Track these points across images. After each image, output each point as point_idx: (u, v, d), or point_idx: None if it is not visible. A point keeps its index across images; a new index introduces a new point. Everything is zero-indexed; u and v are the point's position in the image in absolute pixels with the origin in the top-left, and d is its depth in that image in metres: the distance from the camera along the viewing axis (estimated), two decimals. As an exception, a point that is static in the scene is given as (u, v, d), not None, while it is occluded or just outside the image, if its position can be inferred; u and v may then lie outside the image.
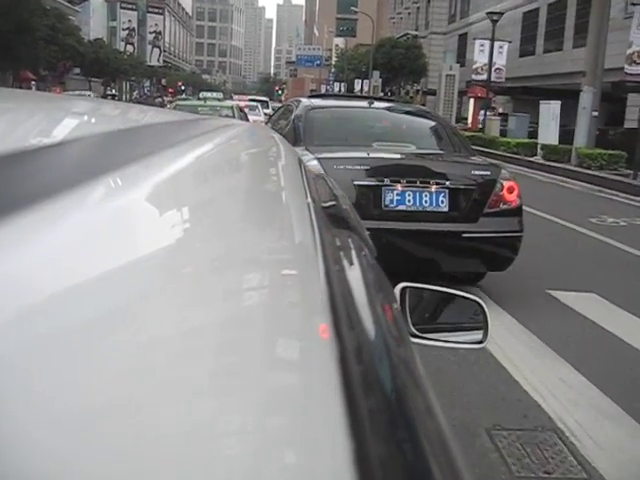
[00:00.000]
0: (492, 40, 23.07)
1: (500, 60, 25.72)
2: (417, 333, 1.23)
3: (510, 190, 4.87)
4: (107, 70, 50.74)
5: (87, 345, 0.25)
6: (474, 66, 26.37)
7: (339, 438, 0.29)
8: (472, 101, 27.55)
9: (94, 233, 0.36)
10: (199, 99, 18.39)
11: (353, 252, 0.88)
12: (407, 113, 6.30)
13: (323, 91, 74.04)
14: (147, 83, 77.41)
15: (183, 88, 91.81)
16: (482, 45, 26.40)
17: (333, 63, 72.69)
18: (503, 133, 23.17)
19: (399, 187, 4.63)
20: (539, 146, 18.28)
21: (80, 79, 49.87)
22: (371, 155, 4.89)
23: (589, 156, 15.71)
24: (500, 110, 37.47)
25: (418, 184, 4.66)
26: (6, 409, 0.20)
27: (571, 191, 13.61)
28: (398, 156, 5.09)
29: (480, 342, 1.33)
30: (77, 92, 27.97)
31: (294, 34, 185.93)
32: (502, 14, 22.65)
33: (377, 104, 6.03)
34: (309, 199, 0.88)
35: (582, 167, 15.70)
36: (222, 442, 0.25)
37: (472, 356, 3.79)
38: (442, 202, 4.70)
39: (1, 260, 0.27)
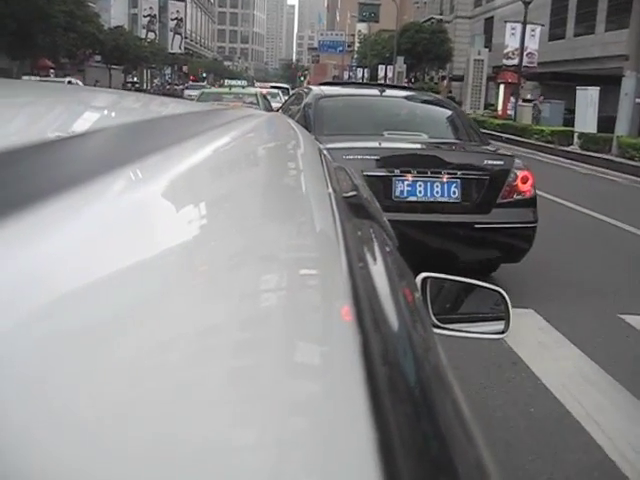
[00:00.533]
0: (524, 23, 21.93)
1: (532, 44, 24.58)
2: (438, 324, 1.22)
3: (524, 180, 4.73)
4: (127, 58, 50.13)
5: (103, 344, 0.25)
6: (505, 50, 25.24)
7: (364, 430, 0.30)
8: (502, 87, 26.34)
9: (113, 226, 0.36)
10: (224, 87, 21.04)
11: (375, 242, 0.89)
12: (419, 101, 6.07)
13: (346, 77, 74.90)
14: (168, 70, 76.77)
15: (204, 75, 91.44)
16: (513, 28, 25.22)
17: (356, 49, 71.57)
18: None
19: (409, 177, 4.49)
20: (576, 135, 17.18)
21: (100, 67, 49.35)
22: (381, 145, 4.73)
23: (632, 146, 14.62)
24: (528, 96, 36.51)
25: (429, 174, 4.54)
26: (14, 411, 0.20)
27: (616, 184, 12.56)
28: (409, 146, 4.92)
29: (502, 332, 1.32)
30: (62, 80, 27.18)
31: (316, 20, 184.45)
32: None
33: (389, 92, 5.95)
34: (330, 189, 0.88)
35: (624, 157, 14.67)
36: (244, 438, 0.25)
37: (548, 422, 2.97)
38: (454, 193, 4.59)
39: (18, 255, 0.27)
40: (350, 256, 0.57)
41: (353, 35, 74.57)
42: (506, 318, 1.31)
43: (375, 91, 6.02)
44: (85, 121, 0.75)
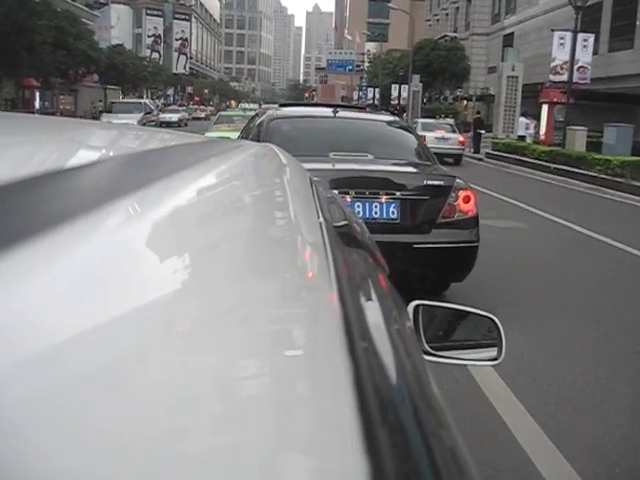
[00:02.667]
0: (574, 32, 18.62)
1: (584, 56, 21.03)
2: (431, 351, 1.23)
3: (466, 200, 4.85)
4: (125, 77, 47.22)
5: (96, 394, 0.25)
6: (552, 64, 21.79)
7: (356, 459, 0.30)
8: (545, 108, 22.94)
9: (105, 262, 0.36)
10: (240, 109, 23.07)
11: (366, 271, 0.92)
12: (373, 122, 6.04)
13: (355, 98, 73.32)
14: (171, 91, 74.20)
15: (208, 97, 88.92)
16: (562, 38, 21.66)
17: (365, 68, 68.83)
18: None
19: (348, 198, 4.46)
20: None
21: (96, 87, 46.48)
22: (322, 166, 4.48)
23: None
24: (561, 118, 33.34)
25: (367, 195, 4.59)
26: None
27: None
28: (351, 167, 4.89)
29: (495, 359, 1.31)
30: None
31: (323, 41, 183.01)
32: (587, -1, 18.16)
33: (343, 113, 6.00)
34: (321, 219, 0.90)
35: None
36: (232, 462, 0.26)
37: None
38: (393, 213, 4.69)
39: (2, 297, 0.26)
40: (341, 285, 0.58)
41: (363, 54, 71.84)
42: (499, 345, 1.31)
43: (330, 112, 5.98)
44: (70, 156, 0.75)
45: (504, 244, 7.82)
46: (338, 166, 4.78)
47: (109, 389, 0.26)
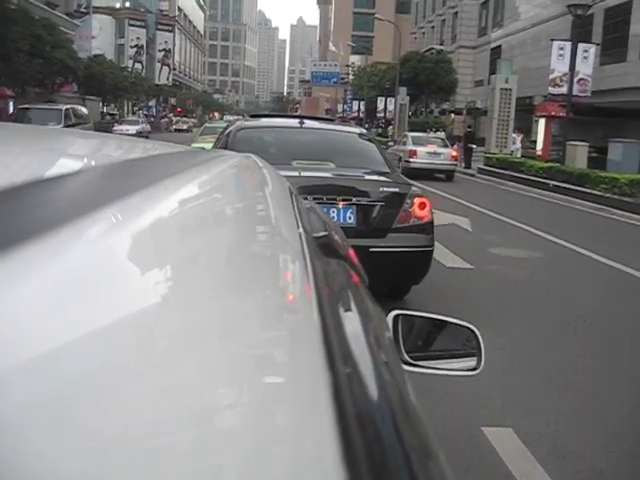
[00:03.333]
0: (573, 41, 17.73)
1: (585, 68, 20.05)
2: (410, 361, 1.23)
3: (421, 206, 5.08)
4: (105, 87, 46.03)
5: (76, 402, 0.25)
6: (551, 76, 20.81)
7: (334, 469, 0.30)
8: (542, 122, 22.01)
9: (86, 272, 0.35)
10: (224, 121, 20.11)
11: (345, 281, 0.93)
12: (337, 132, 6.26)
13: (340, 110, 72.51)
14: (153, 102, 73.04)
15: (191, 108, 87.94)
16: (562, 48, 20.60)
17: (350, 81, 68.09)
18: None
19: None
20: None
21: (74, 97, 45.24)
22: (282, 174, 3.62)
23: None
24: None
25: (325, 200, 4.66)
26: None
27: None
28: (311, 174, 5.01)
29: (474, 369, 1.31)
30: None
31: (307, 54, 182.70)
32: (589, 6, 17.26)
33: (310, 124, 6.11)
34: (301, 229, 0.92)
35: None
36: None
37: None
38: (349, 218, 4.82)
39: None
40: (320, 295, 0.59)
41: (348, 66, 71.12)
42: (478, 355, 1.31)
43: (296, 123, 6.11)
44: (51, 165, 0.75)
45: (533, 283, 6.78)
46: (298, 173, 4.80)
47: (89, 396, 0.26)
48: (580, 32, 22.68)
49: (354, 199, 4.87)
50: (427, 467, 0.46)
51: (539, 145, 22.29)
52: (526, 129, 27.41)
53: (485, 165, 21.27)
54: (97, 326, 0.30)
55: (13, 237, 0.33)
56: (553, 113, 21.52)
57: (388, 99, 46.76)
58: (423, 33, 62.50)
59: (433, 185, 17.01)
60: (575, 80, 18.24)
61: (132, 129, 39.63)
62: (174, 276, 0.44)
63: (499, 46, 43.91)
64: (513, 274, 6.92)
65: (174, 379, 0.31)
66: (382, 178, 5.34)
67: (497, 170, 19.88)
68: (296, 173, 4.74)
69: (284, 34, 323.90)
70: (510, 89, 21.45)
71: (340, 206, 4.81)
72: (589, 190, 14.34)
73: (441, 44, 53.73)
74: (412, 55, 45.17)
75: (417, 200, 5.07)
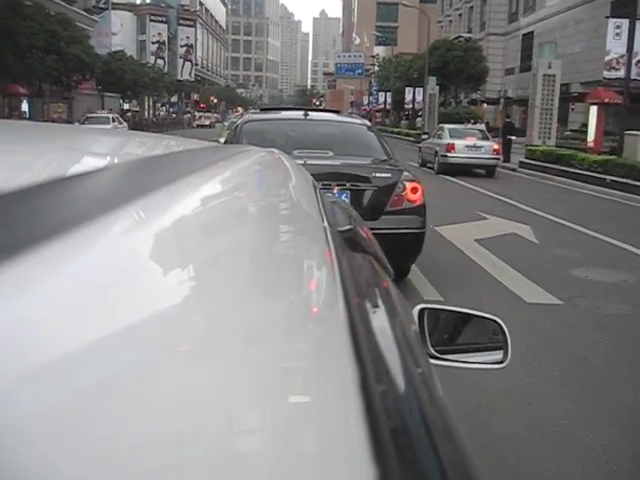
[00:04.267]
0: (632, 20, 15.94)
1: None
2: (436, 354, 1.24)
3: (414, 190, 5.39)
4: (123, 83, 44.86)
5: (96, 406, 0.25)
6: (606, 58, 18.92)
7: (362, 461, 0.30)
8: (594, 110, 20.16)
9: (108, 272, 0.35)
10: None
11: (370, 275, 0.93)
12: (339, 123, 6.53)
13: (365, 102, 70.87)
14: (175, 98, 72.01)
15: (214, 104, 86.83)
16: (618, 27, 18.64)
17: (375, 71, 66.36)
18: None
19: None
20: None
21: (93, 94, 44.15)
22: None
23: None
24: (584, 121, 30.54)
25: (321, 186, 4.26)
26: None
27: None
28: (309, 162, 4.97)
29: (500, 362, 1.31)
30: None
31: (331, 46, 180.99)
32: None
33: (313, 115, 6.42)
34: (325, 223, 0.92)
35: None
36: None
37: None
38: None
39: (5, 306, 0.26)
40: (346, 289, 0.59)
41: (373, 57, 69.34)
42: (504, 347, 1.31)
43: (301, 115, 6.33)
44: (73, 163, 0.76)
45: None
46: (296, 161, 4.11)
47: (108, 402, 0.26)
48: (623, 13, 20.85)
49: (348, 184, 5.17)
50: (455, 461, 0.46)
51: (590, 136, 20.35)
52: (562, 118, 25.59)
53: (527, 158, 19.51)
54: (117, 328, 0.30)
55: (35, 236, 0.33)
56: (607, 100, 19.65)
57: (416, 90, 45.00)
58: (450, 21, 60.71)
59: (473, 182, 15.37)
60: (634, 62, 16.41)
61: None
62: (198, 276, 0.44)
63: (531, 32, 42.11)
64: (620, 311, 5.31)
65: (194, 387, 0.31)
66: (376, 165, 5.65)
67: (542, 164, 18.07)
68: (294, 161, 4.60)
69: (307, 27, 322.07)
70: (554, 75, 19.56)
71: (335, 191, 4.96)
72: (657, 187, 12.62)
73: (469, 32, 51.99)
74: (440, 43, 43.38)
75: (409, 185, 5.40)
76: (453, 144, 17.27)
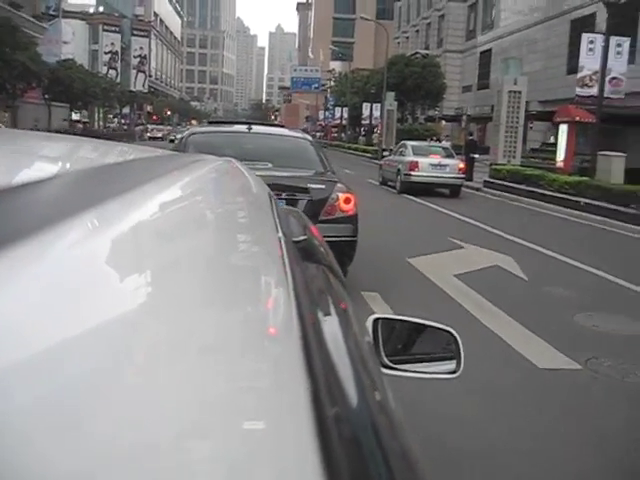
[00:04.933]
0: (606, 35, 15.26)
1: (618, 66, 17.42)
2: (390, 364, 1.24)
3: (346, 201, 5.71)
4: (72, 93, 43.18)
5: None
6: (579, 74, 18.25)
7: (313, 473, 0.30)
8: (563, 128, 19.42)
9: (64, 279, 0.35)
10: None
11: (324, 285, 0.94)
12: (280, 137, 6.81)
13: (321, 117, 70.24)
14: (127, 109, 70.25)
15: (168, 116, 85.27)
16: (592, 42, 17.94)
17: (331, 86, 65.76)
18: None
19: None
20: None
21: (39, 103, 42.35)
22: None
23: None
24: (552, 139, 30.04)
25: None
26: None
27: None
28: None
29: (453, 372, 1.32)
30: None
31: (287, 61, 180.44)
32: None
33: (257, 129, 6.68)
34: (280, 233, 0.92)
35: None
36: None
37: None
38: None
39: None
40: (299, 300, 0.59)
41: (329, 71, 68.74)
42: (457, 357, 1.31)
43: (244, 128, 6.66)
44: (28, 169, 0.75)
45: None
46: None
47: (51, 409, 0.25)
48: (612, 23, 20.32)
49: (284, 194, 5.24)
50: (405, 472, 0.46)
51: (560, 155, 19.56)
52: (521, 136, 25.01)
53: (492, 178, 18.71)
54: (71, 334, 0.30)
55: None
56: (578, 118, 18.92)
57: (374, 105, 44.34)
58: (407, 38, 60.50)
59: (438, 202, 14.42)
60: (607, 80, 15.72)
61: None
62: (152, 284, 0.44)
63: (489, 49, 41.95)
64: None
65: (146, 396, 0.30)
66: (311, 176, 5.93)
67: (508, 184, 17.24)
68: None
69: (263, 42, 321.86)
70: (519, 92, 18.85)
71: None
72: (634, 211, 11.84)
73: (426, 48, 51.72)
74: (398, 59, 42.90)
75: (342, 195, 5.68)
76: (417, 162, 16.29)
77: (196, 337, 0.39)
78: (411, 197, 15.66)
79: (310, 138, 7.33)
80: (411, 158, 16.56)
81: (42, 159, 0.90)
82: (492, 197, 17.28)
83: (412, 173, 16.31)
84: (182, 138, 6.64)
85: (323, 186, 5.71)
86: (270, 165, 5.79)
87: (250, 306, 0.53)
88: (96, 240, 0.44)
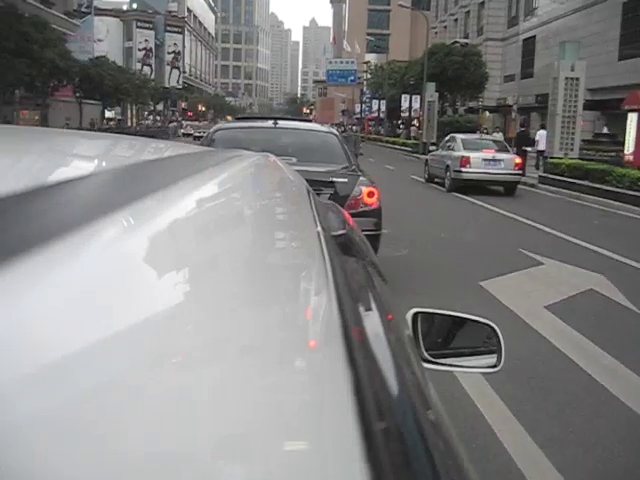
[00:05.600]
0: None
1: None
2: (430, 358, 1.23)
3: (370, 195, 5.72)
4: (103, 90, 42.43)
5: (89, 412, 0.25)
6: None
7: (356, 467, 0.30)
8: (633, 117, 17.70)
9: (101, 277, 0.35)
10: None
11: (363, 279, 0.94)
12: (306, 131, 6.76)
13: (357, 111, 68.65)
14: (161, 106, 69.70)
15: (202, 112, 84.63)
16: None
17: (367, 79, 64.19)
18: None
19: None
20: None
21: (71, 101, 41.69)
22: None
23: None
24: (604, 129, 28.28)
25: None
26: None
27: None
28: None
29: (494, 366, 1.30)
30: None
31: (321, 54, 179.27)
32: None
33: (282, 124, 6.74)
34: (319, 228, 0.92)
35: None
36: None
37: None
38: None
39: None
40: (340, 294, 0.59)
41: (365, 63, 67.20)
42: (498, 352, 1.30)
43: (270, 124, 6.65)
44: (65, 168, 0.75)
45: None
46: None
47: (94, 409, 0.25)
48: (634, 16, 18.62)
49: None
50: (448, 465, 0.46)
51: (629, 148, 17.88)
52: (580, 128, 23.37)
53: (549, 172, 17.14)
54: (109, 334, 0.30)
55: (26, 242, 0.33)
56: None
57: (414, 97, 42.74)
58: (445, 27, 58.64)
59: (494, 202, 12.91)
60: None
61: None
62: (191, 283, 0.44)
63: (533, 36, 40.15)
64: None
65: (185, 394, 0.30)
66: (335, 170, 5.92)
67: (567, 179, 15.63)
68: None
69: (297, 36, 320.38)
70: (577, 78, 17.26)
71: None
72: None
73: (466, 38, 49.94)
74: (438, 48, 41.08)
75: (365, 189, 5.73)
76: (468, 157, 14.73)
77: (237, 337, 0.39)
78: (462, 196, 14.17)
79: (336, 132, 7.32)
80: (462, 153, 15.00)
81: (77, 157, 0.90)
82: (551, 195, 15.68)
83: (463, 170, 14.74)
84: (208, 134, 6.65)
85: (346, 180, 5.75)
86: (295, 160, 5.70)
87: (291, 302, 0.53)
88: (134, 238, 0.44)
